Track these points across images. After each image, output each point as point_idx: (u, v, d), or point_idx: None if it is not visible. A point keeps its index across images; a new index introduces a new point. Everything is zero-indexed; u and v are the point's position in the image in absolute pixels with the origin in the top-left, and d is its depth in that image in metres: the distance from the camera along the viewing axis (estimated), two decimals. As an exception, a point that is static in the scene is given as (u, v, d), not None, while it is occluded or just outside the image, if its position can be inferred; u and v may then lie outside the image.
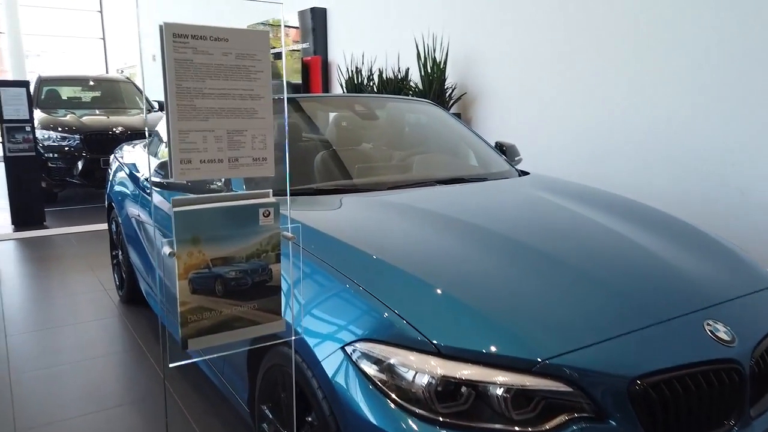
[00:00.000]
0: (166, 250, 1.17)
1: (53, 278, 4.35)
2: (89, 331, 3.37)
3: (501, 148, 3.19)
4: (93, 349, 3.13)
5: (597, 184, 4.09)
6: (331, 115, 3.03)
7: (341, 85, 6.42)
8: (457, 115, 5.27)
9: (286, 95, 1.51)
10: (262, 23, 8.66)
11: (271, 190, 1.32)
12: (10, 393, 2.64)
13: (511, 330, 1.38)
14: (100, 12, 18.56)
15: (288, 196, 1.45)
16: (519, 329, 1.38)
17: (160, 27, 1.14)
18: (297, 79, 7.58)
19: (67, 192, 8.00)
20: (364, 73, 6.23)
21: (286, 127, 2.16)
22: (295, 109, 2.91)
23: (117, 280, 4.04)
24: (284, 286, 1.61)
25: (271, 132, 1.29)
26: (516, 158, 3.17)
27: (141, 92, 8.93)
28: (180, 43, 1.15)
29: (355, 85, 6.15)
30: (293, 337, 1.45)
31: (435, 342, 1.34)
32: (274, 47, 8.48)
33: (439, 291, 1.50)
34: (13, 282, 4.27)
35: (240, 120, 1.24)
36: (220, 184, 2.27)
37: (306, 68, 7.49)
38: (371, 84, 6.05)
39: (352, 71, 6.27)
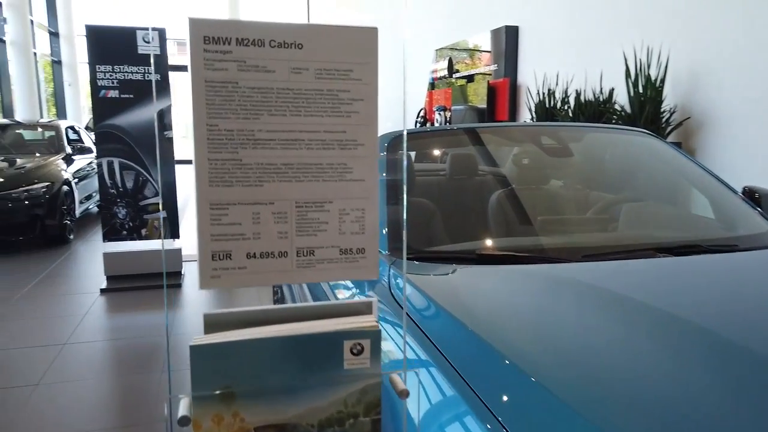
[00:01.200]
0: (181, 409, 0.67)
1: (224, 307, 4.32)
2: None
3: (752, 197, 2.26)
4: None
5: None
6: (509, 150, 2.40)
7: (530, 110, 5.72)
8: (677, 145, 4.25)
9: (405, 128, 0.91)
10: (451, 48, 8.31)
11: (374, 299, 0.76)
12: (142, 447, 2.44)
13: None
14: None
15: (404, 282, 0.89)
16: None
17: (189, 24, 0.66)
18: (481, 103, 7.04)
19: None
20: (558, 96, 5.45)
21: (405, 173, 1.59)
22: (460, 144, 2.35)
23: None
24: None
25: (376, 204, 0.73)
26: (776, 211, 2.22)
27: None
28: (216, 53, 0.66)
29: (546, 110, 5.41)
30: None
31: None
32: (457, 70, 8.05)
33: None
34: (189, 308, 4.32)
35: (320, 184, 0.71)
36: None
37: (492, 92, 6.91)
38: (566, 108, 5.25)
39: (543, 94, 5.54)
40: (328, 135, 0.71)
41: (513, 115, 6.75)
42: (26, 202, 6.00)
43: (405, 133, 0.71)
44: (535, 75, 6.26)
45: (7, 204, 5.87)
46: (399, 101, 10.58)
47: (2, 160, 6.59)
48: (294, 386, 0.70)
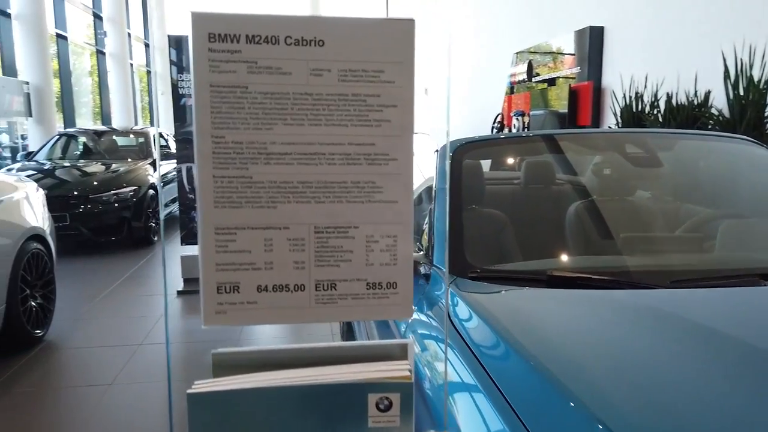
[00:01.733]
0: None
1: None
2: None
3: None
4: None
5: None
6: (589, 158, 2.20)
7: (615, 115, 5.37)
8: (784, 153, 3.82)
9: (448, 131, 0.80)
10: (531, 51, 8.02)
11: (409, 341, 0.64)
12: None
13: None
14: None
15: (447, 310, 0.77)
16: None
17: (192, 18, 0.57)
18: (562, 108, 6.72)
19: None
20: (647, 99, 5.08)
21: (447, 182, 1.47)
22: (535, 151, 2.18)
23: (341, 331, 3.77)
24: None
25: (409, 230, 0.61)
26: None
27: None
28: (223, 52, 0.57)
29: (632, 114, 5.06)
30: None
31: None
32: (537, 73, 7.74)
33: None
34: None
35: (343, 206, 0.60)
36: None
37: (574, 96, 6.58)
38: (655, 112, 4.88)
39: (630, 97, 5.18)
40: (354, 148, 0.60)
41: (596, 120, 6.39)
42: (116, 205, 6.32)
43: (447, 140, 0.59)
44: (621, 77, 5.89)
45: (98, 206, 6.20)
46: (477, 107, 10.35)
47: (98, 164, 6.99)
48: (308, 445, 0.59)
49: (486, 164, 2.29)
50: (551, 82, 7.36)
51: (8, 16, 9.41)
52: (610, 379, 1.00)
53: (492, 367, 1.08)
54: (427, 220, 1.90)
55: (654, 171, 2.16)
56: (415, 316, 1.52)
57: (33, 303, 3.53)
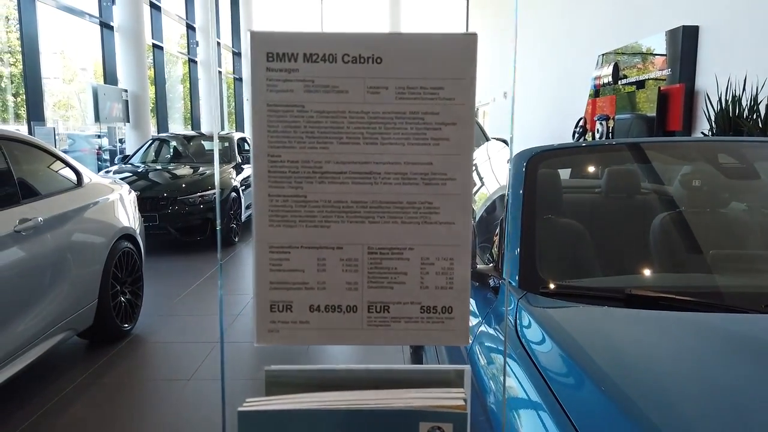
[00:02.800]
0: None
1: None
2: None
3: None
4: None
5: None
6: (676, 169, 2.06)
7: (709, 120, 5.03)
8: None
9: (512, 134, 0.77)
10: (617, 52, 7.68)
11: (466, 367, 0.61)
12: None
13: None
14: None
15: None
16: None
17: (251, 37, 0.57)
18: (650, 112, 6.38)
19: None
20: (745, 103, 4.72)
21: (509, 192, 1.40)
22: (615, 161, 2.07)
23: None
24: None
25: (468, 253, 0.59)
26: None
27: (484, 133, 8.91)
28: (281, 71, 0.56)
29: (729, 119, 4.71)
30: None
31: None
32: (624, 75, 7.40)
33: None
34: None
35: (398, 227, 0.59)
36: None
37: (664, 99, 6.23)
38: (755, 117, 4.53)
39: (726, 101, 4.83)
40: (411, 167, 0.58)
41: (687, 125, 6.01)
42: (201, 206, 6.62)
43: (511, 147, 0.56)
44: (716, 80, 5.51)
45: (185, 207, 6.52)
46: (558, 111, 10.04)
47: (186, 167, 7.36)
48: (357, 471, 0.58)
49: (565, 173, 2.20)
50: (639, 84, 7.01)
51: (111, 28, 10.12)
52: (693, 413, 0.93)
53: (560, 390, 1.03)
54: (498, 230, 1.85)
55: (750, 183, 2.00)
56: (482, 329, 1.48)
57: (122, 298, 3.75)
